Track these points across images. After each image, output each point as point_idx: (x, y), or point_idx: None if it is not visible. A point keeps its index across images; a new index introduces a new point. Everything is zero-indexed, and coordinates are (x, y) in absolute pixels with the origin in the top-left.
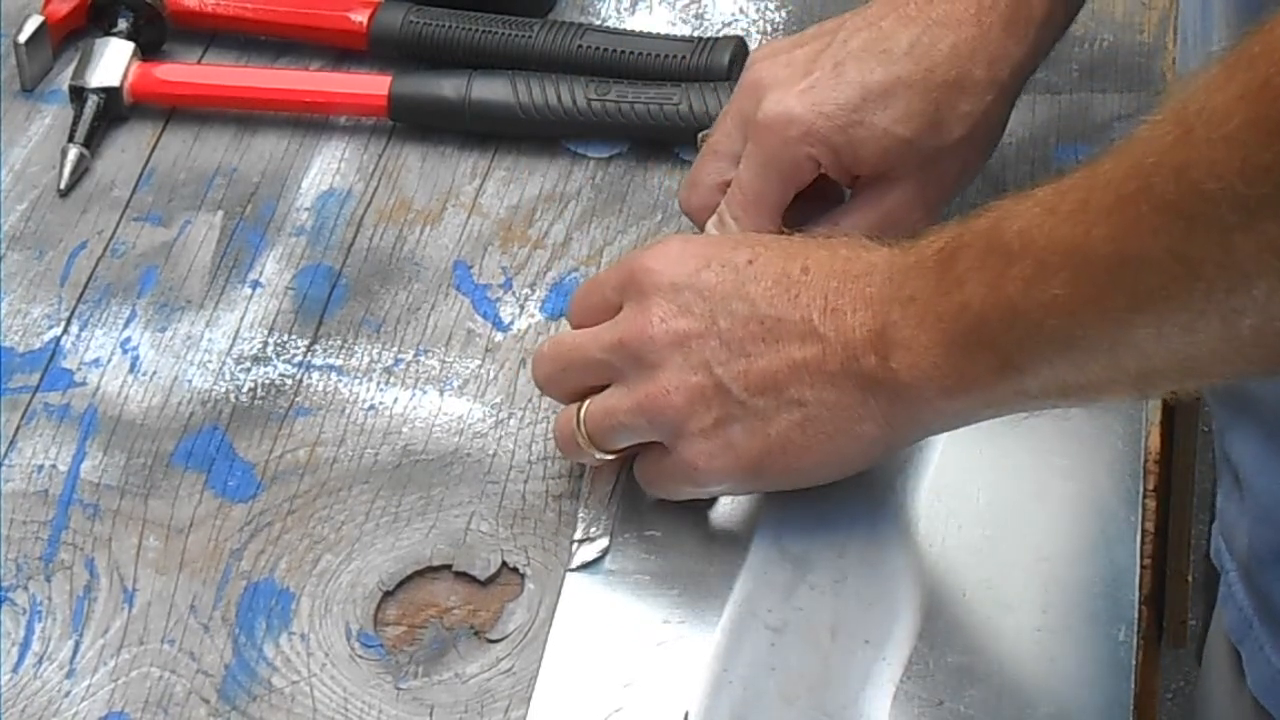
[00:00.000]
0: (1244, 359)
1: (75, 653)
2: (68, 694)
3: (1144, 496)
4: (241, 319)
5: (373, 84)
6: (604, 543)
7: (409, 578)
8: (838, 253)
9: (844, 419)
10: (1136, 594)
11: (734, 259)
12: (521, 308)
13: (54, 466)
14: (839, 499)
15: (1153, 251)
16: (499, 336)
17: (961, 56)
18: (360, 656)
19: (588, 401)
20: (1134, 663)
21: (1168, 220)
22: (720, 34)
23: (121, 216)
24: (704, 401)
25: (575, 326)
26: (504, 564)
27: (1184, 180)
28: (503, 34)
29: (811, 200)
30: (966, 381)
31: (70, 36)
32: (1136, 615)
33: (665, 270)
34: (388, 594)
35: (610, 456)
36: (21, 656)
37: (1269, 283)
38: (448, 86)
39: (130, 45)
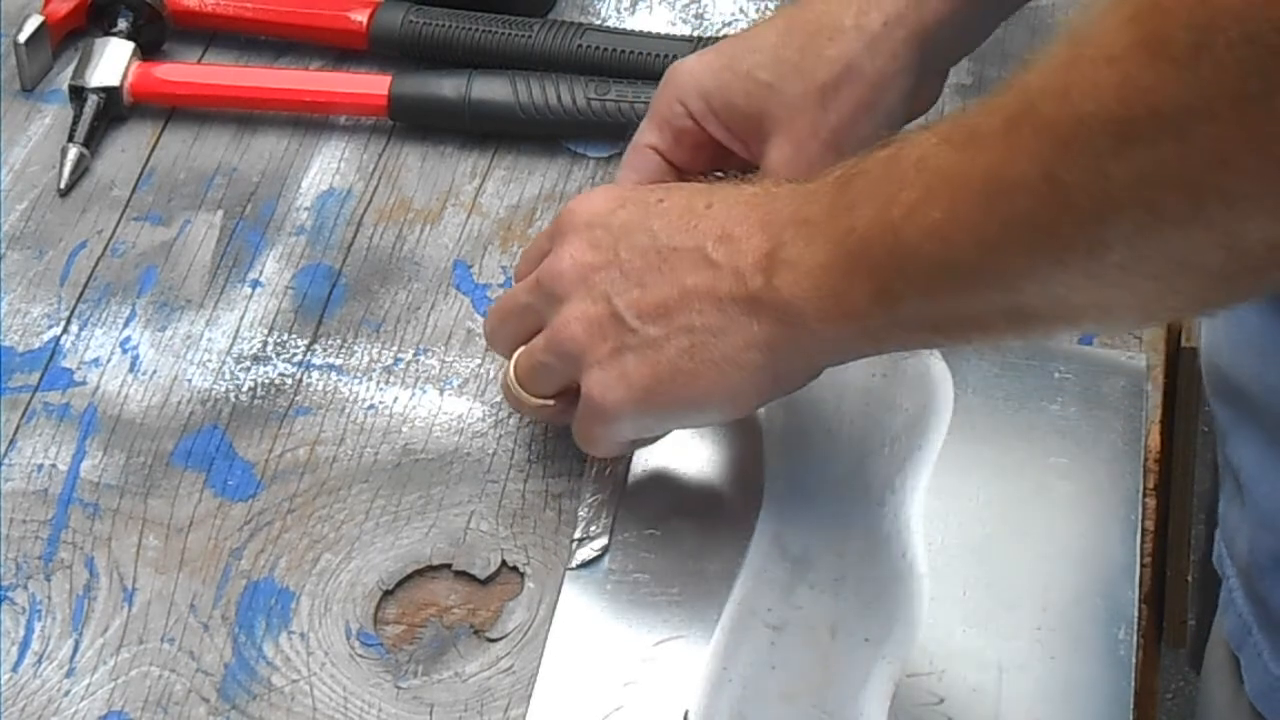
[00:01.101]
0: (1110, 302)
1: (75, 652)
2: (67, 693)
3: (1144, 496)
4: (241, 318)
5: (373, 84)
6: (604, 542)
7: (409, 577)
8: (744, 189)
9: (730, 345)
10: (1136, 593)
11: (646, 198)
12: None
13: (54, 466)
14: (839, 498)
15: (1028, 176)
16: None
17: (831, 4)
18: (360, 655)
19: (521, 349)
20: (1134, 662)
21: (1045, 144)
22: (720, 34)
23: (121, 216)
24: (600, 331)
25: (517, 280)
26: (504, 563)
27: (1065, 103)
28: (503, 34)
29: None
30: (844, 305)
31: (70, 36)
32: (1136, 614)
33: (582, 210)
34: (387, 593)
35: (546, 402)
36: (21, 655)
37: (1136, 216)
38: (448, 86)
39: (130, 45)
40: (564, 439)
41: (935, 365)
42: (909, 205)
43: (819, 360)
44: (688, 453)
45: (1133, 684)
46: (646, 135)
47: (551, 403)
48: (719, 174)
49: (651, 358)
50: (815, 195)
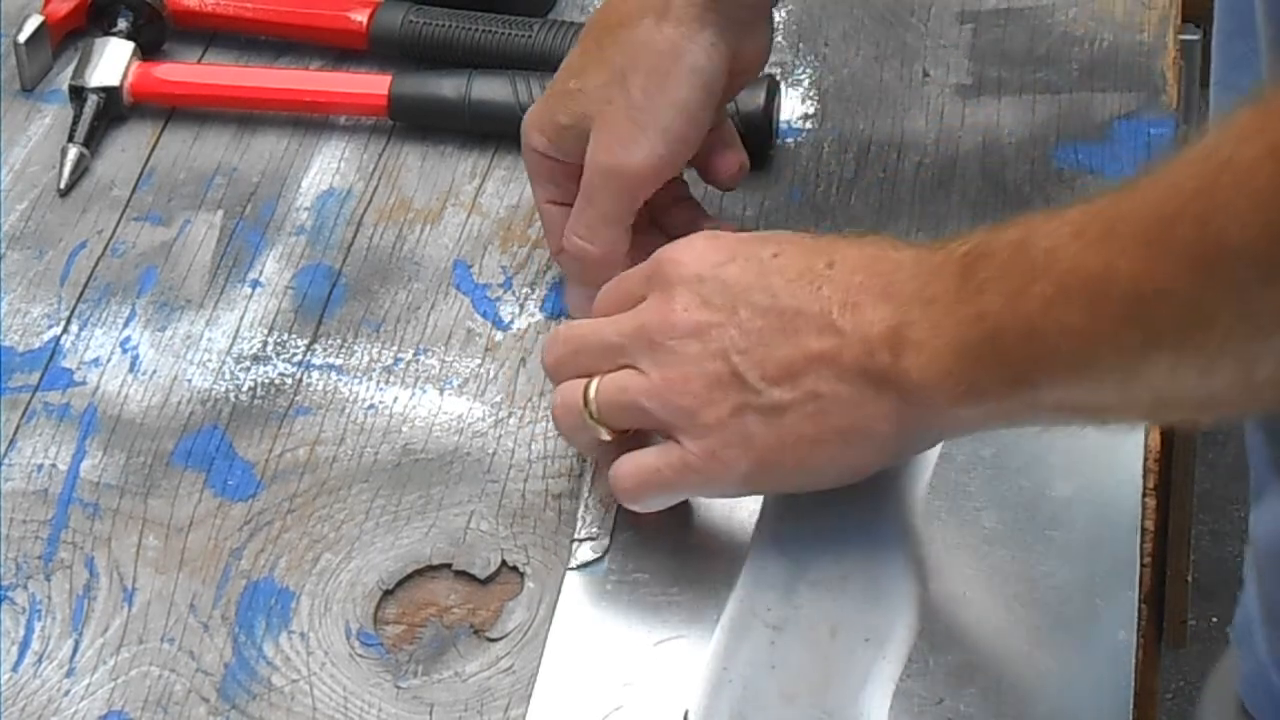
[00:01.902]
0: (1260, 400)
1: (75, 652)
2: (67, 693)
3: (1144, 496)
4: (241, 318)
5: (373, 84)
6: (604, 541)
7: (409, 576)
8: (865, 250)
9: (857, 415)
10: (1136, 593)
11: (759, 252)
12: (521, 307)
13: (54, 466)
14: (839, 498)
15: (1172, 294)
16: (499, 336)
17: (621, 2)
18: (360, 655)
19: (599, 377)
20: (1134, 662)
21: (1187, 267)
22: None
23: (121, 216)
24: (721, 389)
25: (597, 314)
26: (504, 563)
27: (1207, 230)
28: (503, 34)
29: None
30: (977, 391)
31: (70, 36)
32: (1136, 614)
33: (690, 262)
34: (387, 593)
35: (610, 437)
36: (21, 655)
37: None
38: (448, 86)
39: (130, 45)
40: (563, 439)
41: None
42: (1044, 300)
43: (948, 435)
44: None
45: (1133, 684)
46: (536, 194)
47: (611, 439)
48: None
49: (776, 421)
50: (940, 272)
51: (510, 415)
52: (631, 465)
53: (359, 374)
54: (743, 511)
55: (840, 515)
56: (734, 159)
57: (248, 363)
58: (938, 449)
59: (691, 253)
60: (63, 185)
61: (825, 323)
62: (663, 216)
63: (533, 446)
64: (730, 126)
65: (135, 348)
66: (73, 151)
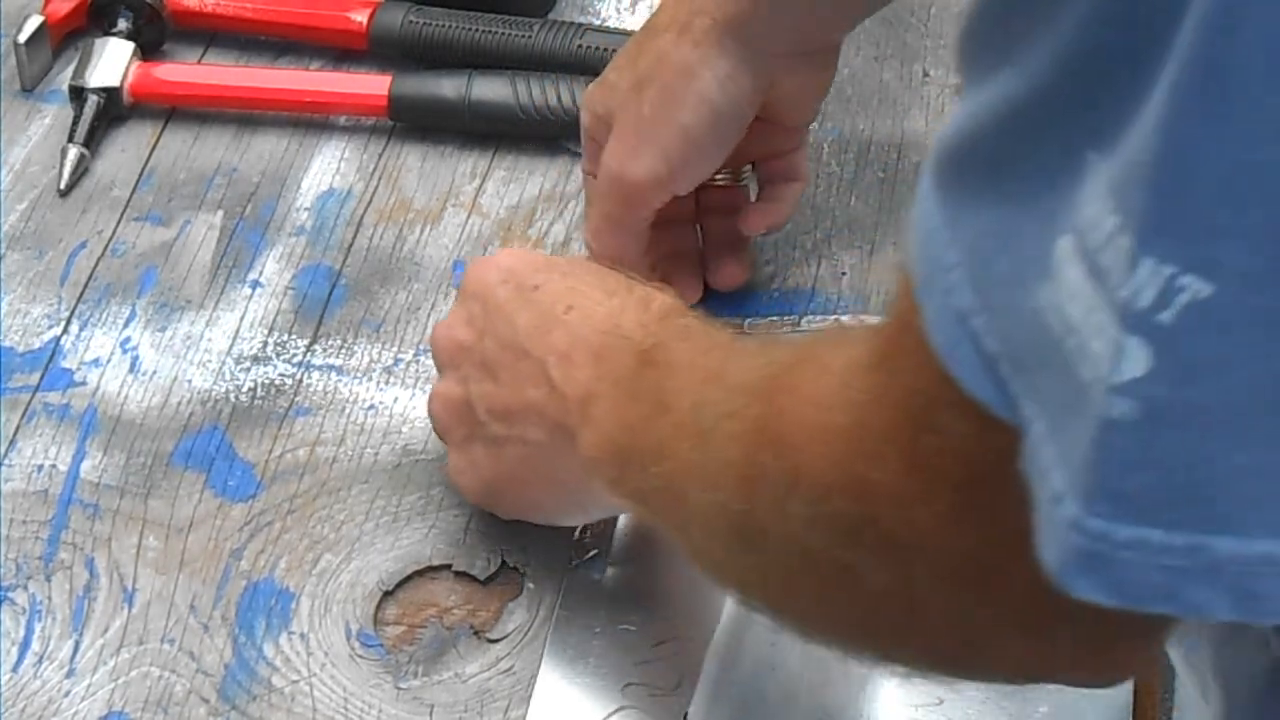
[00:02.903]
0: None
1: (75, 652)
2: (67, 693)
3: None
4: (241, 319)
5: (373, 84)
6: (604, 543)
7: (409, 577)
8: (610, 300)
9: (558, 466)
10: None
11: (527, 280)
12: None
13: (54, 466)
14: None
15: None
16: None
17: (668, 5)
18: (360, 656)
19: None
20: None
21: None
22: None
23: (121, 216)
24: (457, 415)
25: None
26: (504, 563)
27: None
28: (503, 34)
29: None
30: (619, 488)
31: (70, 36)
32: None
33: (473, 277)
34: (387, 593)
35: None
36: (21, 656)
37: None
38: (448, 86)
39: (130, 45)
40: None
41: None
42: (666, 435)
43: (628, 510)
44: None
45: (1132, 684)
46: (584, 161)
47: None
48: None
49: (495, 454)
50: (630, 350)
51: None
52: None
53: (359, 374)
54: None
55: None
56: (736, 274)
57: (248, 363)
58: None
59: (481, 269)
60: (63, 185)
61: (541, 371)
62: (705, 218)
63: None
64: (751, 215)
65: (135, 348)
66: (73, 152)
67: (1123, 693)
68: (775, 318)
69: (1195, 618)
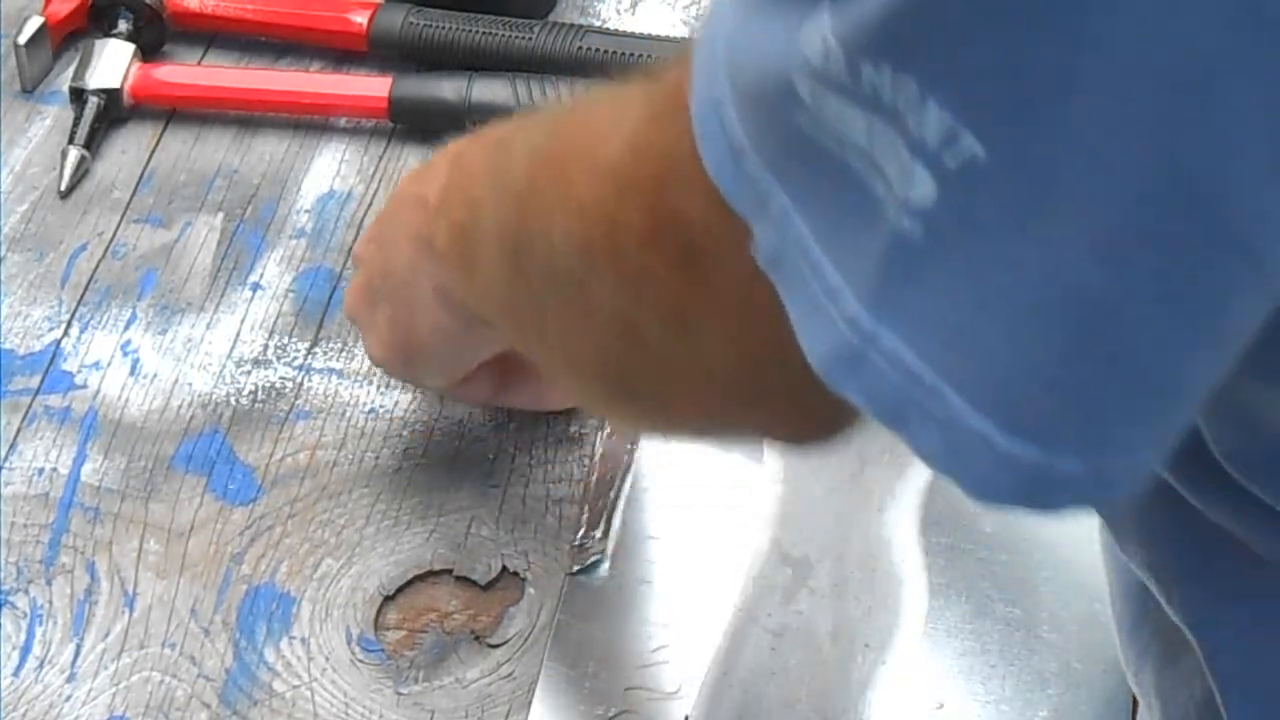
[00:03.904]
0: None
1: (76, 656)
2: (69, 698)
3: None
4: (242, 321)
5: (373, 86)
6: (604, 547)
7: (409, 582)
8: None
9: (426, 291)
10: None
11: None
12: None
13: (55, 469)
14: (839, 504)
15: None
16: None
17: None
18: (361, 661)
19: None
20: None
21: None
22: None
23: (122, 218)
24: (360, 295)
25: None
26: (504, 568)
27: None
28: (503, 36)
29: None
30: (458, 269)
31: (70, 37)
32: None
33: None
34: (388, 598)
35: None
36: (22, 660)
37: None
38: (448, 88)
39: (130, 46)
40: (565, 444)
41: None
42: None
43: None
44: (688, 458)
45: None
46: None
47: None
48: None
49: (389, 311)
50: (486, 142)
51: (510, 420)
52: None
53: (360, 378)
54: (743, 518)
55: (841, 521)
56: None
57: (248, 366)
58: None
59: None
60: (63, 187)
61: (417, 200)
62: None
63: (533, 451)
64: None
65: (136, 351)
66: (73, 153)
67: (1122, 694)
68: None
69: (914, 449)
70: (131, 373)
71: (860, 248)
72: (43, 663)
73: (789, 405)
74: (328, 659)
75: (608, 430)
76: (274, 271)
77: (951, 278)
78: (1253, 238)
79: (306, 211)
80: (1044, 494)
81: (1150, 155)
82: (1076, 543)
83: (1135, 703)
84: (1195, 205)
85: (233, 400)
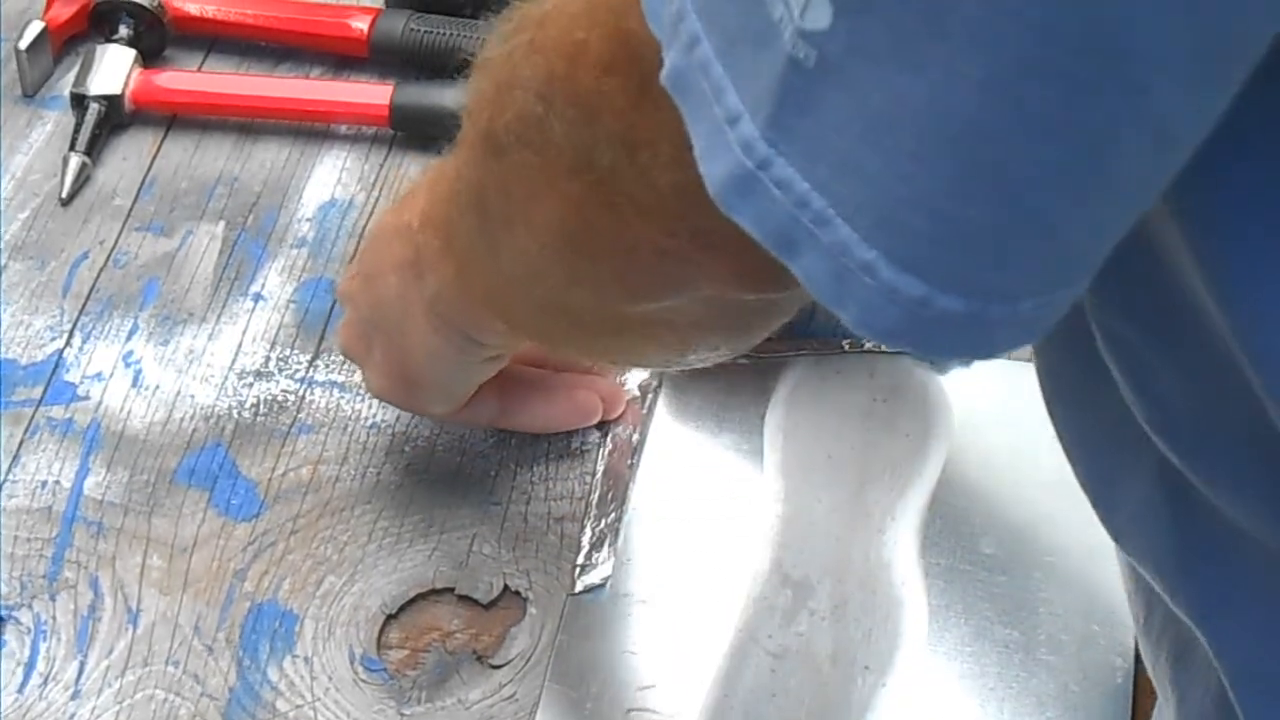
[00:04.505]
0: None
1: (80, 673)
2: (73, 715)
3: None
4: (244, 333)
5: (374, 93)
6: (606, 569)
7: (412, 600)
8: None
9: (418, 314)
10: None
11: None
12: None
13: (57, 483)
14: (840, 524)
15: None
16: None
17: None
18: (364, 680)
19: None
20: (1131, 686)
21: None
22: None
23: (123, 226)
24: (355, 332)
25: None
26: (506, 587)
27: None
28: None
29: None
30: (439, 241)
31: (71, 42)
32: (1134, 643)
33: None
34: (390, 617)
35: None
36: (27, 676)
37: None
38: (449, 96)
39: (131, 52)
40: (566, 460)
41: (935, 390)
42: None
43: (474, 316)
44: (690, 479)
45: (1130, 710)
46: None
47: None
48: None
49: (384, 342)
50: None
51: (512, 436)
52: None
53: (362, 392)
54: (745, 539)
55: (841, 543)
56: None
57: (250, 378)
58: (938, 475)
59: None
60: (64, 194)
61: (390, 239)
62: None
63: (534, 468)
64: None
65: (138, 362)
66: (74, 160)
67: (1120, 715)
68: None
69: (804, 281)
70: (134, 384)
71: (758, 71)
72: (47, 679)
73: (735, 241)
74: (330, 678)
75: (610, 447)
76: (275, 282)
77: (842, 105)
78: (1146, 75)
79: (308, 220)
80: (925, 332)
81: None
82: (1076, 564)
83: (1136, 702)
84: (1090, 36)
85: (235, 413)
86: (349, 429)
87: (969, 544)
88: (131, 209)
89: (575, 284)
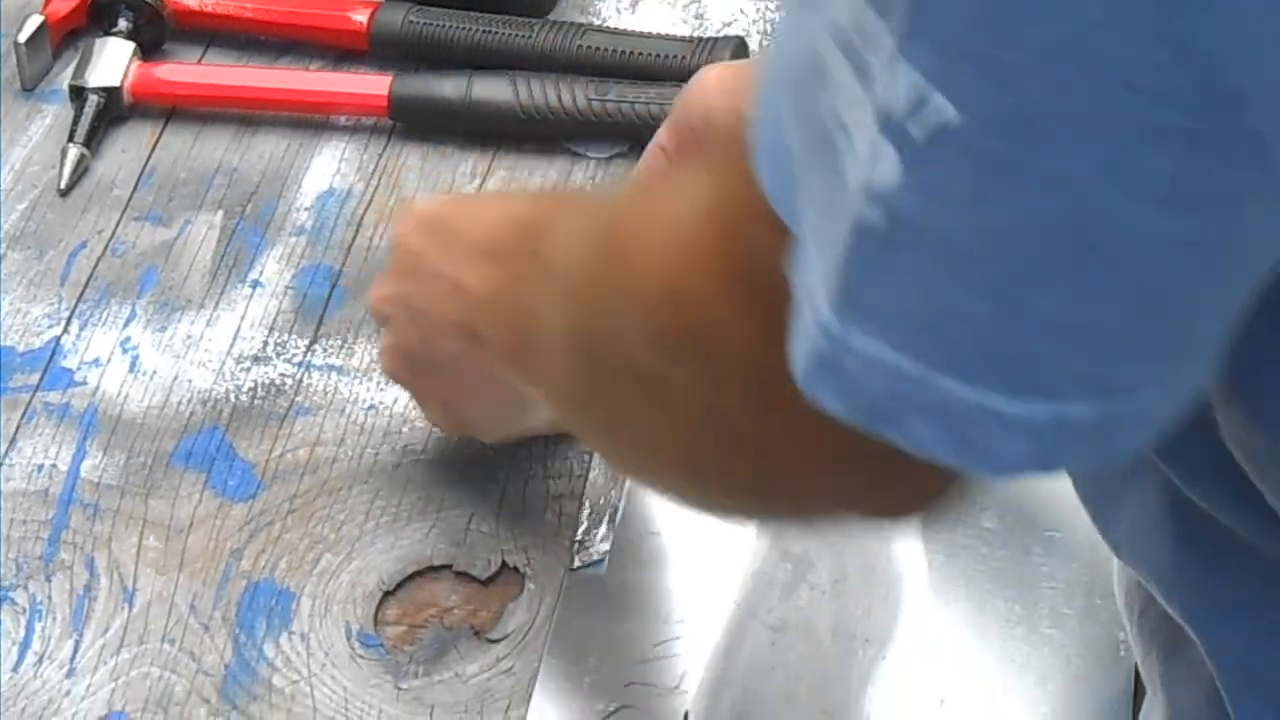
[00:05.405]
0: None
1: (75, 652)
2: (68, 693)
3: None
4: (242, 318)
5: (373, 84)
6: (605, 544)
7: (409, 577)
8: (505, 203)
9: (484, 369)
10: None
11: (435, 219)
12: None
13: (54, 466)
14: None
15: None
16: None
17: None
18: (360, 656)
19: None
20: (1134, 662)
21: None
22: (720, 34)
23: (122, 216)
24: (404, 360)
25: None
26: (504, 564)
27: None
28: (503, 34)
29: None
30: (513, 364)
31: (70, 36)
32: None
33: (395, 231)
34: (388, 593)
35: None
36: (22, 656)
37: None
38: (448, 86)
39: (130, 45)
40: (565, 439)
41: None
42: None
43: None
44: None
45: (1132, 684)
46: (660, 134)
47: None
48: None
49: (441, 379)
50: (517, 226)
51: None
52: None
53: (359, 374)
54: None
55: None
56: None
57: (248, 363)
58: None
59: (398, 222)
60: (63, 185)
61: (450, 286)
62: None
63: (532, 447)
64: None
65: (136, 348)
66: (73, 151)
67: (1123, 693)
68: None
69: (918, 451)
70: (131, 369)
71: (833, 240)
72: (42, 658)
73: (887, 466)
74: (327, 654)
75: None
76: (274, 269)
77: (920, 259)
78: (1267, 137)
79: (306, 209)
80: (1058, 451)
81: (1165, 46)
82: (1076, 538)
83: (1136, 697)
84: (1211, 99)
85: (232, 397)
86: (346, 411)
87: (971, 519)
88: (130, 199)
89: (698, 492)
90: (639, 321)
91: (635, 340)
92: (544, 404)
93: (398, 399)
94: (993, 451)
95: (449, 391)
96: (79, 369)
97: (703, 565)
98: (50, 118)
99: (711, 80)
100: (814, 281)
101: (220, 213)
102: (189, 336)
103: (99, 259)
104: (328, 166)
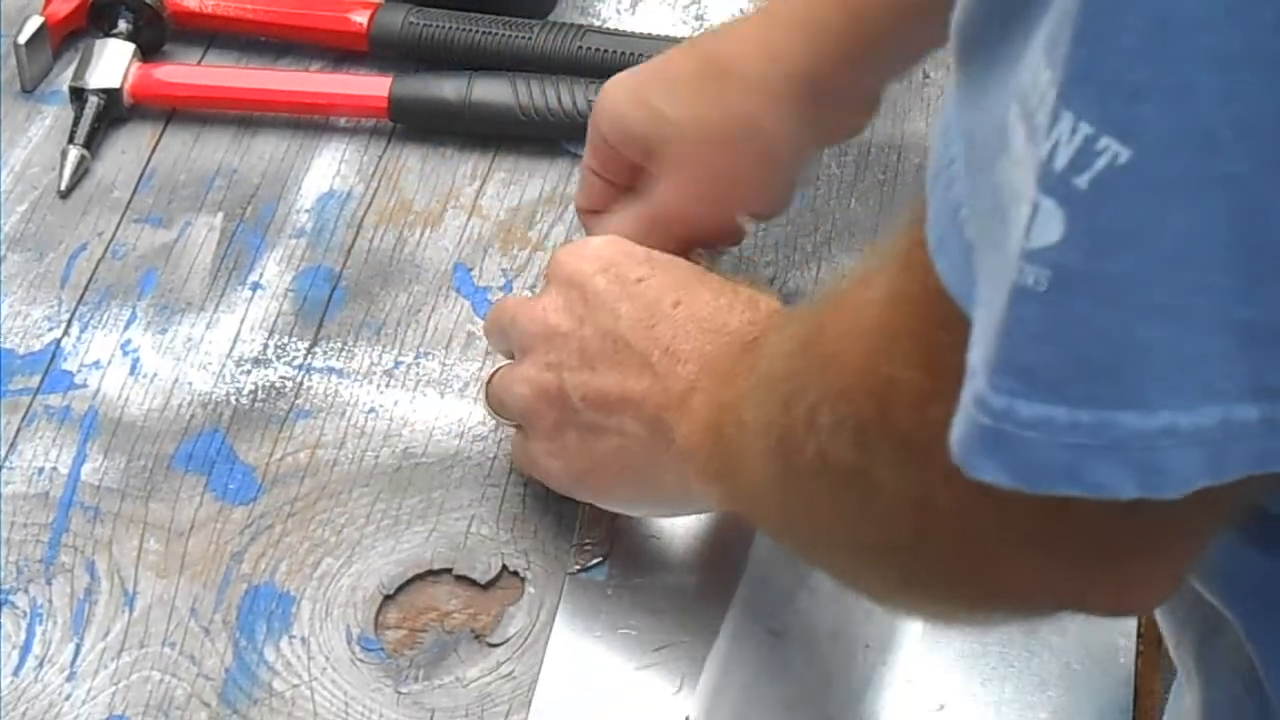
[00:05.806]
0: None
1: (76, 656)
2: (68, 697)
3: None
4: (242, 321)
5: (373, 85)
6: (605, 547)
7: (409, 581)
8: (718, 300)
9: (650, 461)
10: None
11: (628, 272)
12: None
13: (54, 469)
14: None
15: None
16: None
17: (741, 44)
18: (361, 660)
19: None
20: (1134, 666)
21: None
22: None
23: (122, 218)
24: (549, 401)
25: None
26: (504, 568)
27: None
28: (503, 35)
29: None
30: (709, 475)
31: (70, 37)
32: (1137, 619)
33: (569, 264)
34: (388, 597)
35: (506, 422)
36: (22, 659)
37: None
38: (448, 88)
39: (130, 46)
40: None
41: None
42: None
43: (722, 507)
44: None
45: (1132, 685)
46: (586, 156)
47: (508, 424)
48: (700, 252)
49: (589, 444)
50: (735, 345)
51: None
52: (514, 442)
53: (359, 377)
54: (744, 517)
55: None
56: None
57: (248, 365)
58: None
59: (576, 255)
60: (63, 187)
61: (644, 363)
62: None
63: None
64: None
65: (136, 350)
66: (73, 153)
67: (1122, 695)
68: None
69: (1098, 495)
70: (131, 372)
71: (993, 313)
72: (42, 662)
73: (1102, 556)
74: (327, 658)
75: None
76: (274, 271)
77: (1089, 307)
78: None
79: (306, 211)
80: (1227, 454)
81: None
82: None
83: (1136, 702)
84: None
85: (233, 399)
86: (347, 414)
87: None
88: (130, 201)
89: (900, 587)
90: (834, 414)
91: (830, 434)
92: (696, 501)
93: (398, 401)
94: (1171, 471)
95: (597, 461)
96: (79, 371)
97: (703, 569)
98: (50, 119)
99: (617, 92)
100: (973, 359)
101: (220, 215)
102: (189, 339)
103: (99, 261)
104: (328, 168)
